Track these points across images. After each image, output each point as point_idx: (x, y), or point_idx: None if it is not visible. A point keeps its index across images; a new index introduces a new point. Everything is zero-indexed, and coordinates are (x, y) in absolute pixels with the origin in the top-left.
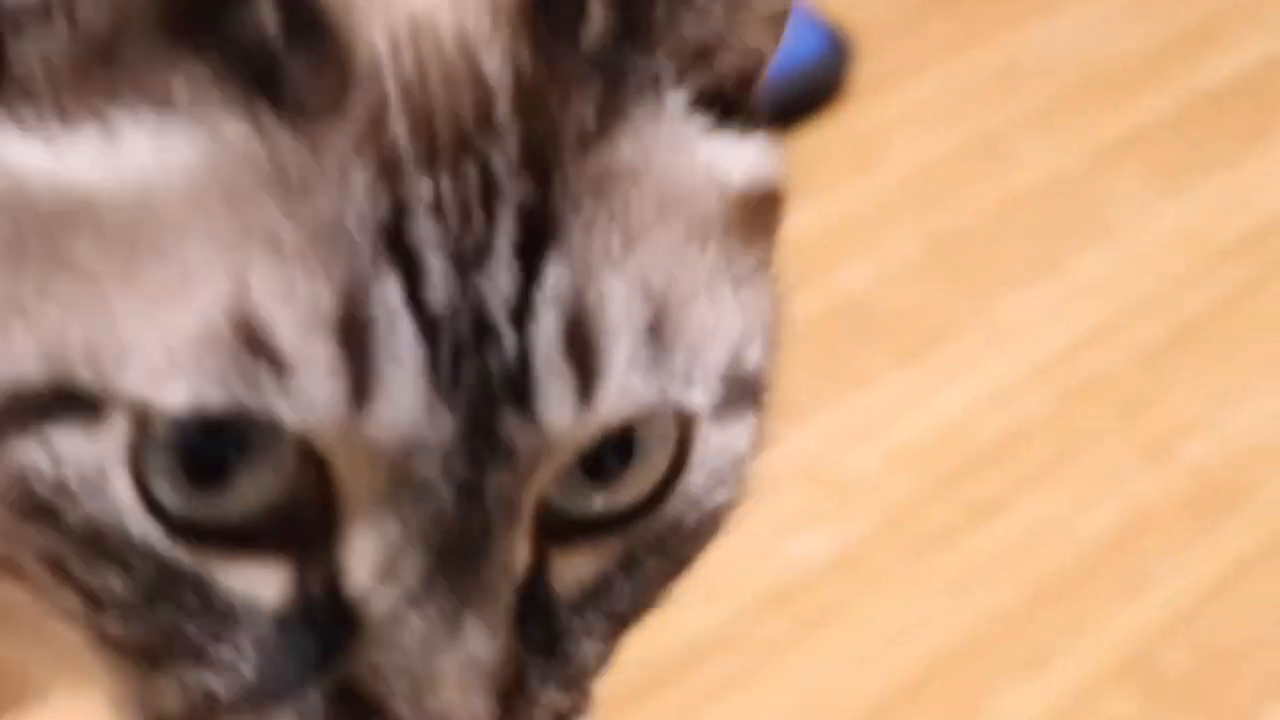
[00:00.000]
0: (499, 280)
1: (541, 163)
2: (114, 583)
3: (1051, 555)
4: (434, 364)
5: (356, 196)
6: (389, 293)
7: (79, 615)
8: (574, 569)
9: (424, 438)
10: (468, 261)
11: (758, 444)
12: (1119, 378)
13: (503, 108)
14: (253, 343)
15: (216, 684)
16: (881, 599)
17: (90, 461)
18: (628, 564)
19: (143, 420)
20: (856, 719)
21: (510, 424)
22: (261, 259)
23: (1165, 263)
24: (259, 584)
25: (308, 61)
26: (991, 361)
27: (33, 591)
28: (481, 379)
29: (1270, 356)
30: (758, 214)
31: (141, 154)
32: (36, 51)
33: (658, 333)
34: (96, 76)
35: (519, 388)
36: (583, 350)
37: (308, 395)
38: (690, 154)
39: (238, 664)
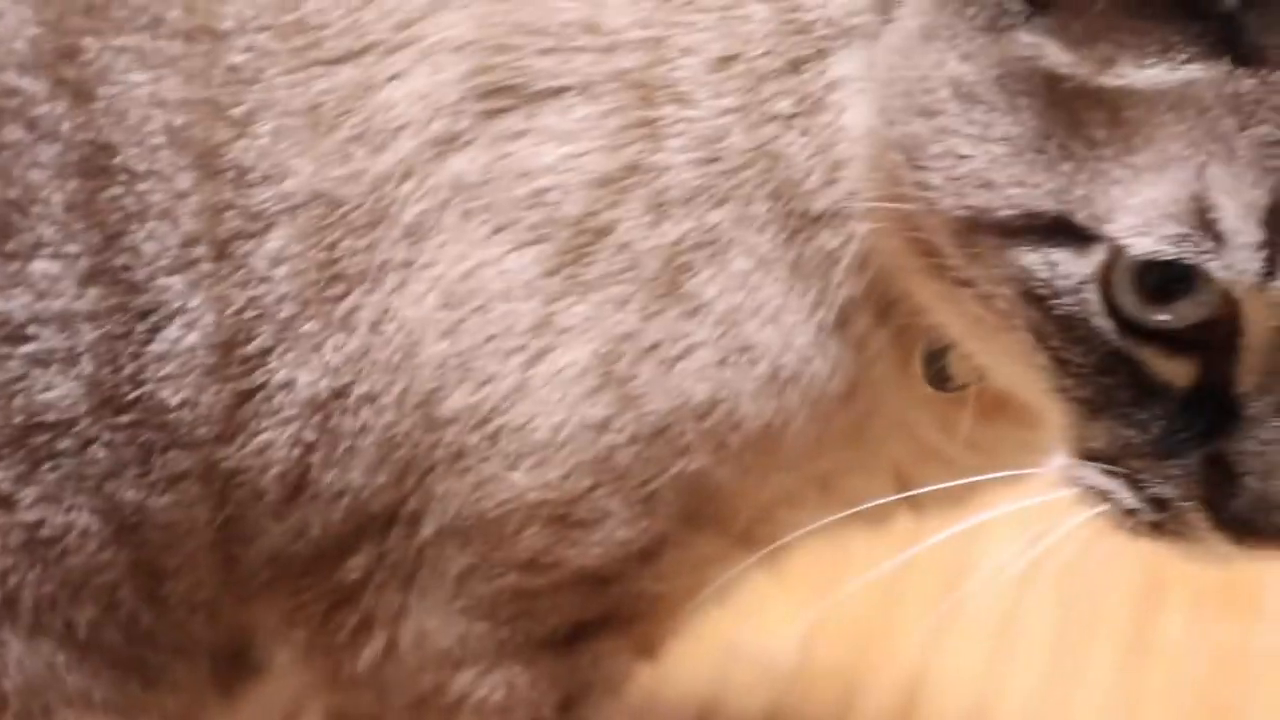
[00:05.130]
0: None
1: None
2: (1076, 354)
3: None
4: None
5: None
6: None
7: (1045, 371)
8: None
9: None
10: None
11: None
12: None
13: None
14: (1204, 220)
15: (1132, 435)
16: None
17: (1074, 274)
18: None
19: (1115, 255)
20: None
21: None
22: (1216, 159)
23: None
24: (1175, 373)
25: (1260, 22)
26: None
27: (1007, 356)
28: None
29: None
30: None
31: (1152, 75)
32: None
33: None
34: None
35: None
36: None
37: (1236, 264)
38: None
39: (1149, 424)
